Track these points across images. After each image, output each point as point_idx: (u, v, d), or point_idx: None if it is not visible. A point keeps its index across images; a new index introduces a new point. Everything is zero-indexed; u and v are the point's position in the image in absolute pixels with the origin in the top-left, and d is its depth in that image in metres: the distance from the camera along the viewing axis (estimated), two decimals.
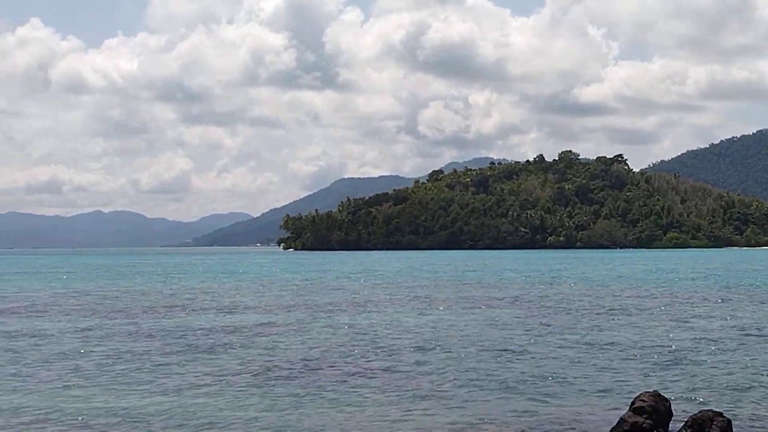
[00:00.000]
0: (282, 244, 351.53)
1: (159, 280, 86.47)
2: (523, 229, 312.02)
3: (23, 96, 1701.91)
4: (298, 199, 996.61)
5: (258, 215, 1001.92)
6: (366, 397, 21.09)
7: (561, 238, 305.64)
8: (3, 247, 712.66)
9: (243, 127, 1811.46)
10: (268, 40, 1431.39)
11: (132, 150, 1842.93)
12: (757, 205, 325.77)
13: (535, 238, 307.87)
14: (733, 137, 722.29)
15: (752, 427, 17.49)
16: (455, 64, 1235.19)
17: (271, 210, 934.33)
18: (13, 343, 32.37)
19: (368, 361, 26.84)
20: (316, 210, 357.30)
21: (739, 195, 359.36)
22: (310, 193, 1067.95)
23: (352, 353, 28.77)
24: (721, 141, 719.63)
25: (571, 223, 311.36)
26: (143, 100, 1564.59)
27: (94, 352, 29.46)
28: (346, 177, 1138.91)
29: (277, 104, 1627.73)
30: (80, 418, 18.87)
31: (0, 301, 55.99)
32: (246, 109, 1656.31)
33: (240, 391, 22.06)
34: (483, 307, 48.74)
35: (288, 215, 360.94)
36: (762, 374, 23.82)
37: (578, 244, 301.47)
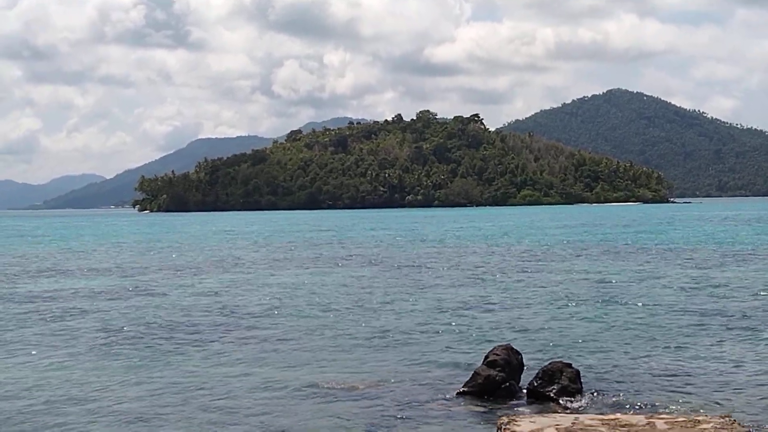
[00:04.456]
0: (138, 206, 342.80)
1: (17, 244, 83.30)
2: (381, 189, 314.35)
3: None
4: (153, 160, 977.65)
5: (112, 177, 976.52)
6: (227, 360, 20.93)
7: (419, 197, 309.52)
8: None
9: (93, 86, 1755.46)
10: None
11: None
12: (606, 163, 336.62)
13: (394, 197, 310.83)
14: (584, 97, 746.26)
15: (599, 376, 18.22)
16: (308, 24, 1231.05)
17: (125, 171, 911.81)
18: None
19: (230, 323, 26.63)
20: (173, 171, 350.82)
21: (589, 153, 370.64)
22: (166, 153, 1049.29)
23: (214, 315, 28.51)
24: (573, 100, 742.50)
25: (428, 181, 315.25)
26: None
27: None
28: (202, 137, 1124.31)
29: (127, 63, 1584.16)
30: None
31: None
32: (95, 68, 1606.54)
33: (95, 357, 21.49)
34: (343, 266, 49.06)
35: (143, 176, 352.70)
36: (610, 326, 24.84)
37: (436, 202, 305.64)
